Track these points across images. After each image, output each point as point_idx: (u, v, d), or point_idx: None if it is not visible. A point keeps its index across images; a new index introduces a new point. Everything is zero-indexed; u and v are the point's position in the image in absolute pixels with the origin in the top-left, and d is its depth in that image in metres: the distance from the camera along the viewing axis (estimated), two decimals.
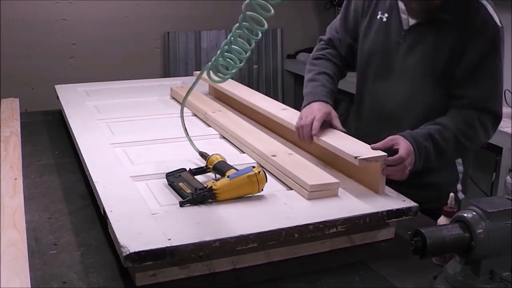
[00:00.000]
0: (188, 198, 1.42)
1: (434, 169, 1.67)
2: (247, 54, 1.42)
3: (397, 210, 1.42)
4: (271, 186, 1.59)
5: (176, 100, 2.51)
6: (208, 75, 1.49)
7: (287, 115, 1.96)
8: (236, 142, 1.91)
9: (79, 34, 4.04)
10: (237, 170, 1.51)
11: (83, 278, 1.27)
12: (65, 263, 1.32)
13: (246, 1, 1.33)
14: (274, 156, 1.68)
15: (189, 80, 2.87)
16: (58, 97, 2.53)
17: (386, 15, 1.76)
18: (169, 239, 1.22)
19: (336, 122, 1.72)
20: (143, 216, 1.34)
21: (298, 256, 1.38)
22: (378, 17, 1.78)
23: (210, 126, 2.11)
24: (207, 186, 1.44)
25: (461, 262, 1.16)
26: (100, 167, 1.66)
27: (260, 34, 1.39)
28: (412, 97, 1.73)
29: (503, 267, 1.13)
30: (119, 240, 1.21)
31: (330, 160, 1.71)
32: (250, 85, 3.82)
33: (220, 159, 1.61)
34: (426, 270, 1.30)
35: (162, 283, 1.26)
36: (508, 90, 3.09)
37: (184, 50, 4.32)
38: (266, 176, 1.48)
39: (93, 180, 1.56)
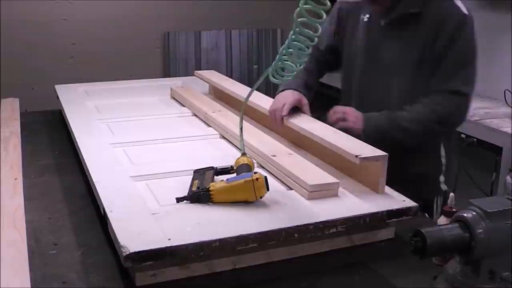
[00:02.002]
0: (184, 196, 1.43)
1: (417, 159, 1.82)
2: (305, 59, 1.49)
3: (397, 210, 1.42)
4: (271, 186, 1.59)
5: (176, 100, 2.51)
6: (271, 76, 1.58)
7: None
8: (236, 142, 1.91)
9: (79, 34, 4.04)
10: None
11: (83, 278, 1.27)
12: (65, 263, 1.32)
13: (297, 9, 1.42)
14: (274, 156, 1.68)
15: (189, 80, 2.87)
16: (58, 97, 2.53)
17: (367, 15, 1.89)
18: (169, 239, 1.22)
19: (306, 109, 1.91)
20: (143, 216, 1.34)
21: (298, 256, 1.38)
22: (361, 17, 1.91)
23: (210, 126, 2.11)
24: (208, 187, 1.44)
25: (461, 262, 1.16)
26: (100, 167, 1.66)
27: (319, 31, 1.47)
28: (394, 89, 1.84)
29: (503, 267, 1.13)
30: (119, 240, 1.21)
31: (330, 159, 1.71)
32: (250, 85, 3.82)
33: (245, 162, 1.57)
34: (426, 270, 1.30)
35: (162, 283, 1.26)
36: (508, 90, 3.09)
37: (184, 50, 4.32)
38: (267, 184, 1.42)
39: (93, 180, 1.56)
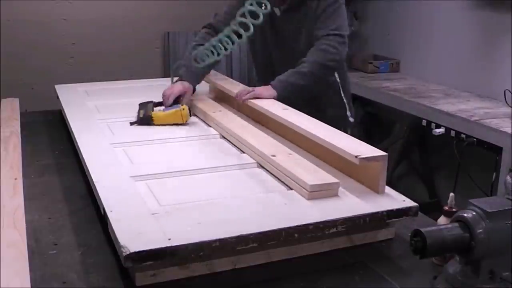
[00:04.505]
0: (135, 121, 2.08)
1: (326, 104, 2.33)
2: (228, 51, 2.00)
3: (397, 210, 1.42)
4: (271, 186, 1.59)
5: None
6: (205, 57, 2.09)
7: (288, 115, 1.96)
8: (236, 142, 1.91)
9: (79, 34, 4.04)
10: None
11: (83, 278, 1.27)
12: (65, 263, 1.32)
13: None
14: (274, 156, 1.68)
15: None
16: (58, 97, 2.53)
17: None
18: (169, 239, 1.22)
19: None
20: (143, 216, 1.34)
21: (298, 256, 1.38)
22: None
23: (210, 126, 2.11)
24: (150, 114, 2.08)
25: (461, 262, 1.16)
26: (100, 167, 1.66)
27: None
28: (294, 58, 2.27)
29: (503, 267, 1.13)
30: (119, 240, 1.21)
31: (330, 159, 1.71)
32: (250, 85, 3.82)
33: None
34: (426, 270, 1.30)
35: (162, 283, 1.26)
36: (508, 90, 3.09)
37: (184, 50, 4.32)
38: (190, 112, 2.12)
39: (93, 180, 1.56)
